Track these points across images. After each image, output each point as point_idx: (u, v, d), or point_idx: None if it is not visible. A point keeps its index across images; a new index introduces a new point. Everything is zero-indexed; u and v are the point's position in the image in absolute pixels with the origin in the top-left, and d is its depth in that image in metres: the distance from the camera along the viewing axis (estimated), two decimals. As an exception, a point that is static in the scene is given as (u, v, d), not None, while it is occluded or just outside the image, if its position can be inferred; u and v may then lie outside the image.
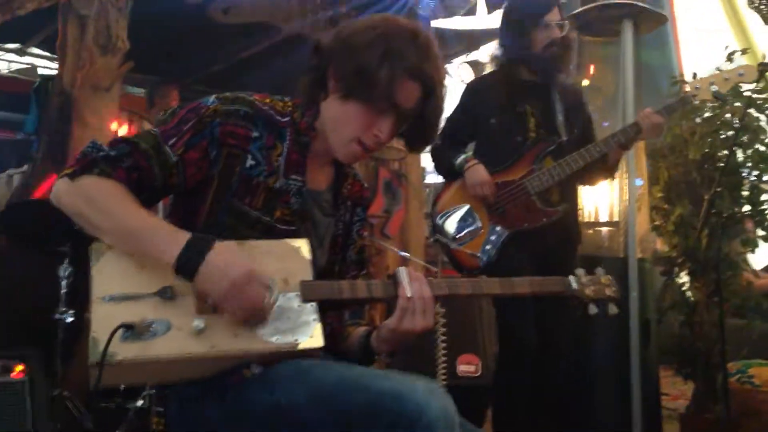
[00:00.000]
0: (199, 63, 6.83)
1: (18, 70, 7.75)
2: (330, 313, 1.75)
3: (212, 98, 1.62)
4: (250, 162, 1.60)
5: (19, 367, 2.57)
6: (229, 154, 1.58)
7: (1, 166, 7.02)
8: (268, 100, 1.67)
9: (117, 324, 1.33)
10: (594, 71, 5.71)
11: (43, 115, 4.48)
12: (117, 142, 1.54)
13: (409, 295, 1.54)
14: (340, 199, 1.80)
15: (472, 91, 3.27)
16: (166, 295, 1.42)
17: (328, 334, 1.57)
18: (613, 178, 3.44)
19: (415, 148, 1.76)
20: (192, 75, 7.03)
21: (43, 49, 6.79)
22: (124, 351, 1.33)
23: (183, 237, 1.43)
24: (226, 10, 5.41)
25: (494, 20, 6.71)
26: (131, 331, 1.34)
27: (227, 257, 1.41)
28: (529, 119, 3.09)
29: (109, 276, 1.42)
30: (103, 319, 1.35)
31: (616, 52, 4.08)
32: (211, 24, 5.54)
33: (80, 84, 4.24)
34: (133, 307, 1.39)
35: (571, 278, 1.75)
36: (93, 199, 1.45)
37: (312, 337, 1.46)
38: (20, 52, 7.06)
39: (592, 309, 1.75)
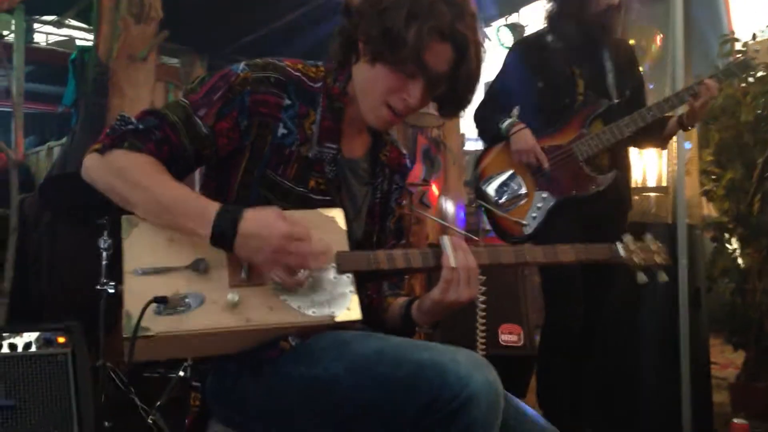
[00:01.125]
0: (232, 32, 6.78)
1: (56, 42, 7.81)
2: (368, 284, 1.70)
3: (242, 65, 1.55)
4: (281, 131, 1.54)
5: (62, 339, 2.57)
6: (260, 124, 1.52)
7: (43, 139, 7.12)
8: (300, 66, 1.60)
9: (149, 297, 1.29)
10: (639, 31, 5.53)
11: (80, 87, 4.47)
12: (145, 114, 1.50)
13: (453, 265, 1.47)
14: (377, 166, 1.73)
15: (517, 53, 3.14)
16: (199, 267, 1.38)
17: (366, 306, 1.52)
18: (664, 148, 3.30)
19: (447, 114, 1.66)
20: (225, 45, 6.98)
21: (80, 21, 6.79)
22: (158, 325, 1.30)
23: (213, 208, 1.38)
24: (260, -24, 5.33)
25: (534, -19, 6.55)
26: (164, 304, 1.30)
27: (260, 223, 1.37)
28: (577, 81, 2.97)
29: (140, 249, 1.38)
30: (136, 293, 1.31)
31: (661, 10, 3.93)
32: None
33: (116, 55, 4.22)
34: (165, 281, 1.35)
35: (619, 245, 1.67)
36: (123, 172, 1.42)
37: (349, 310, 1.41)
38: (58, 24, 7.09)
39: (641, 277, 1.67)
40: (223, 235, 1.36)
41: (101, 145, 1.45)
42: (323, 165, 1.58)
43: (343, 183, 1.64)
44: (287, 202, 1.53)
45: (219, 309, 1.34)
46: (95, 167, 1.45)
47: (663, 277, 1.68)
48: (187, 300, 1.33)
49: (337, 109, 1.60)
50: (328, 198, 1.58)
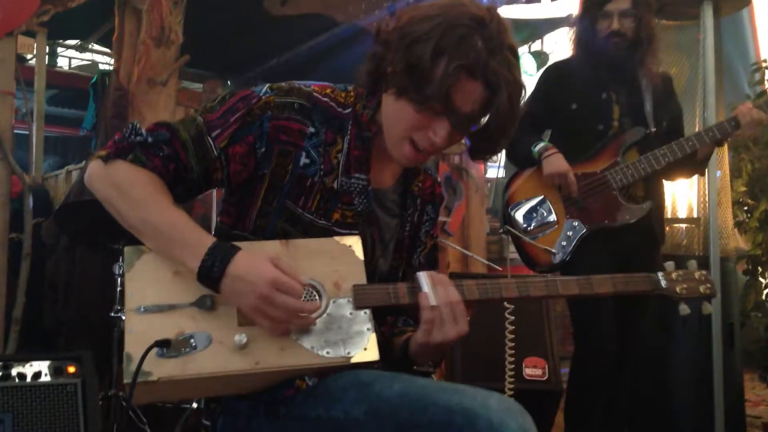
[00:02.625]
0: (256, 57, 6.78)
1: (79, 66, 7.86)
2: (387, 317, 1.62)
3: (265, 88, 1.48)
4: (304, 160, 1.46)
5: (72, 369, 2.50)
6: (281, 152, 1.44)
7: (64, 162, 7.14)
8: (329, 90, 1.52)
9: (152, 338, 1.22)
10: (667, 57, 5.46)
11: (100, 110, 4.46)
12: (157, 126, 1.43)
13: (434, 303, 1.37)
14: (409, 197, 1.63)
15: (551, 74, 3.05)
16: (204, 304, 1.31)
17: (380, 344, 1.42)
18: (702, 174, 3.19)
19: (477, 157, 1.55)
20: (249, 70, 6.98)
21: (102, 45, 6.84)
22: (161, 368, 1.22)
23: (207, 242, 1.31)
24: (283, 1, 5.32)
25: (558, 8, 6.49)
26: (167, 347, 1.22)
27: (249, 266, 1.28)
28: (612, 107, 2.89)
29: (144, 283, 1.31)
30: (138, 333, 1.24)
31: (690, 36, 3.86)
32: (268, 16, 5.46)
33: (137, 79, 4.20)
34: (169, 319, 1.27)
35: (660, 275, 1.57)
36: (122, 188, 1.37)
37: (366, 350, 1.33)
38: (80, 49, 7.14)
39: (684, 309, 1.57)
40: (210, 273, 1.28)
41: (106, 152, 1.39)
42: (352, 196, 1.50)
43: (372, 217, 1.56)
44: (308, 235, 1.45)
45: (226, 350, 1.26)
46: (96, 176, 1.40)
47: (708, 308, 1.60)
48: (192, 341, 1.25)
49: (366, 138, 1.52)
50: (355, 232, 1.49)
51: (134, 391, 1.19)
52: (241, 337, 1.26)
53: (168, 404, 3.61)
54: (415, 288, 1.40)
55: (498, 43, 1.36)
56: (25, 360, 2.46)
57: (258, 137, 1.43)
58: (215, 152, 1.41)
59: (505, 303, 2.71)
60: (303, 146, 1.46)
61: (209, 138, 1.41)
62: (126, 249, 1.34)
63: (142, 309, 1.27)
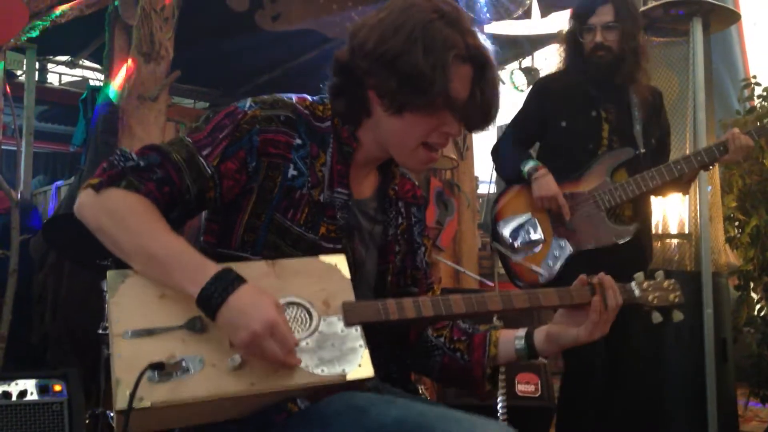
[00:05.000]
0: (247, 73, 6.78)
1: (69, 83, 7.84)
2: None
3: (248, 102, 1.46)
4: (292, 172, 1.45)
5: (58, 387, 2.46)
6: (269, 165, 1.43)
7: (54, 179, 7.11)
8: (308, 103, 1.51)
9: (141, 362, 1.16)
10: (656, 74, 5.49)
11: (90, 126, 4.43)
12: (147, 150, 1.40)
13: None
14: (387, 201, 1.62)
15: (541, 89, 3.05)
16: (195, 327, 1.26)
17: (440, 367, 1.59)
18: (686, 193, 3.20)
19: (477, 128, 1.55)
20: (240, 86, 6.98)
21: (93, 62, 6.82)
22: (154, 394, 1.17)
23: (209, 270, 1.28)
24: (275, 17, 5.32)
25: (549, 24, 6.52)
26: (160, 370, 1.18)
27: (252, 301, 1.25)
28: (602, 125, 2.88)
29: (129, 308, 1.25)
30: (127, 359, 1.19)
31: (679, 53, 3.88)
32: (259, 32, 5.46)
33: (126, 94, 4.17)
34: (158, 343, 1.22)
35: (633, 284, 1.60)
36: (116, 215, 1.32)
37: (361, 366, 1.30)
38: (71, 65, 7.12)
39: (656, 317, 1.60)
40: (210, 300, 1.25)
41: (98, 181, 1.35)
42: (335, 211, 1.49)
43: (355, 229, 1.54)
44: (296, 249, 1.43)
45: (220, 373, 1.22)
46: (88, 205, 1.35)
47: (678, 316, 1.62)
48: (184, 363, 1.21)
49: (346, 153, 1.51)
50: (339, 246, 1.47)
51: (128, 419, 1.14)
52: (234, 359, 1.23)
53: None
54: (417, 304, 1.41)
55: (463, 23, 1.43)
56: (10, 378, 2.42)
57: (248, 152, 1.41)
58: (209, 171, 1.39)
59: (495, 319, 2.71)
60: (290, 158, 1.45)
61: (200, 157, 1.39)
62: (108, 273, 1.29)
63: (129, 333, 1.23)
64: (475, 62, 1.42)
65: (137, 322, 1.24)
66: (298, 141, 1.46)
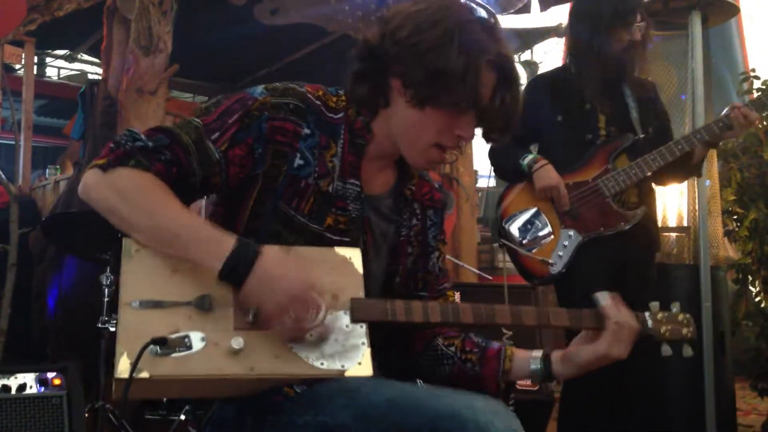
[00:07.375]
0: (246, 67, 6.78)
1: (68, 76, 7.83)
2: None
3: (260, 89, 1.46)
4: (298, 162, 1.44)
5: (57, 381, 2.46)
6: (275, 153, 1.43)
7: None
8: (320, 93, 1.50)
9: (145, 334, 1.18)
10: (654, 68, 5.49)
11: (89, 120, 4.42)
12: (155, 131, 1.39)
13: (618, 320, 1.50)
14: (402, 201, 1.62)
15: (535, 87, 3.05)
16: (203, 305, 1.27)
17: (447, 375, 1.58)
18: (699, 176, 3.20)
19: (495, 138, 1.56)
20: (239, 79, 6.98)
21: (91, 55, 6.82)
22: (154, 367, 1.18)
23: (228, 242, 1.28)
24: (274, 10, 5.31)
25: (548, 18, 6.52)
26: (162, 345, 1.19)
27: (281, 266, 1.28)
28: (598, 116, 2.88)
29: (140, 277, 1.27)
30: (132, 329, 1.20)
31: (678, 46, 3.88)
32: (257, 26, 5.45)
33: (125, 88, 4.17)
34: (165, 316, 1.24)
35: (647, 314, 1.59)
36: (128, 193, 1.31)
37: (360, 365, 1.31)
38: (69, 59, 7.11)
39: (666, 350, 1.59)
40: (235, 271, 1.26)
41: (105, 160, 1.33)
42: (346, 202, 1.49)
43: (367, 223, 1.54)
44: (300, 239, 1.43)
45: (221, 354, 1.23)
46: (96, 185, 1.33)
47: (688, 351, 1.62)
48: (187, 340, 1.22)
49: (358, 145, 1.51)
50: (346, 239, 1.47)
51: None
52: (237, 341, 1.24)
53: (156, 416, 3.57)
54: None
55: (497, 28, 1.44)
56: (10, 372, 2.42)
57: (256, 139, 1.41)
58: (216, 155, 1.39)
59: (504, 338, 2.75)
60: (298, 147, 1.44)
61: (209, 141, 1.39)
62: (124, 240, 1.29)
63: (137, 303, 1.24)
64: (502, 72, 1.43)
65: (147, 293, 1.25)
66: (307, 130, 1.45)
